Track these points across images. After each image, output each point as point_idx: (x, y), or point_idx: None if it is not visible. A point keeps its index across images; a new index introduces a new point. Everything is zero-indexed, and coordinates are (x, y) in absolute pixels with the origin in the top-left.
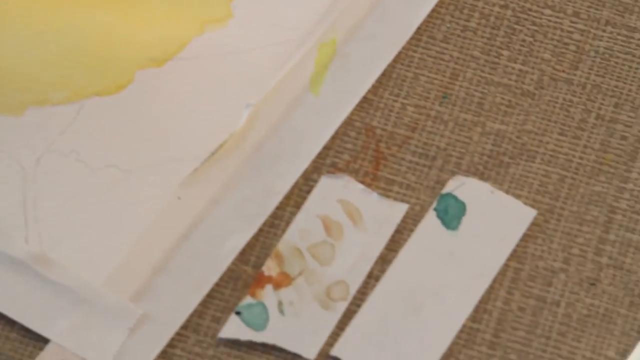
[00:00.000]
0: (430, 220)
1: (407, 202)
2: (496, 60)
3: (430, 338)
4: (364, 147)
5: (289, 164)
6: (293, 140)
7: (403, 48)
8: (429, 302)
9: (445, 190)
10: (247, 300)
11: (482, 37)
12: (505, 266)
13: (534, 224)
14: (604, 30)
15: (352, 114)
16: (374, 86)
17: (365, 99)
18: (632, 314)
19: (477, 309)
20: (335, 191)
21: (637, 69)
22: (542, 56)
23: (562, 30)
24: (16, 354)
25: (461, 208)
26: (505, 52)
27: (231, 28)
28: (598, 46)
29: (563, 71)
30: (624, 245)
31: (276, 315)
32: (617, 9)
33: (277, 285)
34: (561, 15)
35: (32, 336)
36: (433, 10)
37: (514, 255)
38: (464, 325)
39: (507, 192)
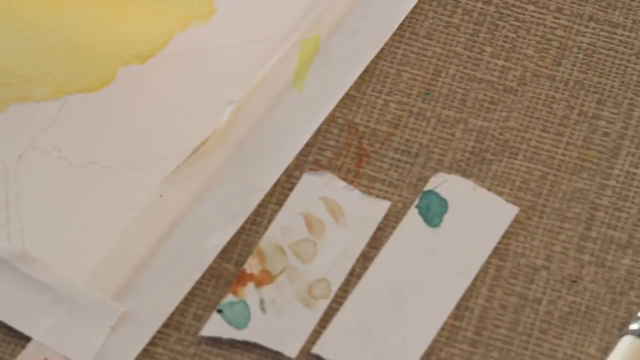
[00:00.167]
0: (412, 218)
1: (389, 199)
2: (479, 56)
3: (411, 336)
4: (346, 144)
5: (271, 161)
6: (275, 137)
7: (386, 44)
8: (410, 300)
9: (428, 187)
10: (229, 298)
11: (465, 33)
12: (487, 263)
13: (516, 221)
14: (586, 26)
15: (334, 110)
16: (356, 83)
17: (348, 96)
18: (614, 312)
19: (458, 307)
20: (318, 188)
21: (619, 65)
22: (525, 52)
23: (545, 26)
24: None
25: (443, 205)
26: (488, 49)
27: (214, 24)
28: (581, 42)
29: (546, 67)
30: (606, 242)
31: (258, 313)
32: (600, 5)
33: (259, 283)
34: (544, 11)
35: (14, 334)
36: (416, 7)
37: (496, 252)
38: (445, 323)
39: (489, 189)
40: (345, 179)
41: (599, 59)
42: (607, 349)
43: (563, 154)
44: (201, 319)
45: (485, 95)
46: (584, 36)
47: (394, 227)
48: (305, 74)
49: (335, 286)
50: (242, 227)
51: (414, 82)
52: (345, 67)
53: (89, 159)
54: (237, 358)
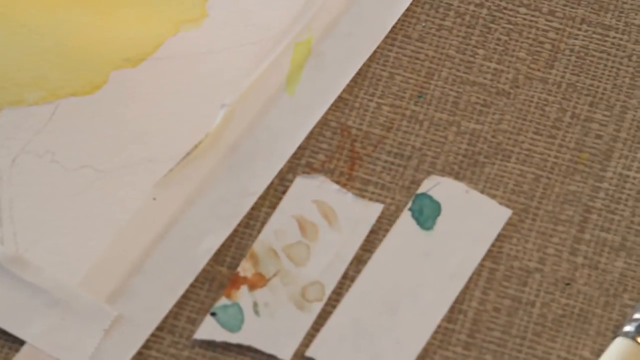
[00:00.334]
0: (405, 221)
1: (382, 202)
2: (471, 59)
3: (405, 339)
4: (339, 147)
5: (264, 164)
6: (268, 140)
7: (378, 47)
8: (404, 303)
9: (420, 190)
10: (223, 301)
11: (458, 36)
12: (481, 266)
13: (509, 223)
14: (579, 29)
15: (327, 113)
16: (349, 85)
17: (340, 99)
18: (607, 314)
19: (452, 310)
20: (311, 191)
21: (612, 67)
22: (517, 55)
23: (537, 29)
24: None
25: (436, 208)
26: (481, 51)
27: (206, 28)
28: (573, 45)
29: (538, 70)
30: (599, 245)
31: (251, 316)
32: (593, 7)
33: (253, 286)
34: (536, 13)
35: (8, 338)
36: (408, 9)
37: (489, 255)
38: (439, 326)
39: (482, 191)
40: (338, 182)
41: (592, 61)
42: (600, 352)
43: (556, 157)
44: (195, 322)
45: (478, 98)
46: (576, 39)
47: (387, 230)
48: (297, 76)
49: (328, 289)
50: (236, 230)
51: (407, 85)
52: (338, 70)
53: (81, 162)
54: None
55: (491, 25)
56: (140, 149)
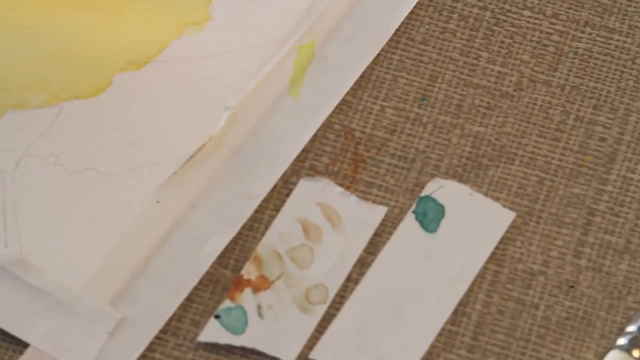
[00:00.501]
0: (409, 223)
1: (386, 204)
2: (475, 62)
3: (409, 341)
4: (342, 150)
5: (267, 167)
6: (272, 143)
7: (382, 50)
8: (407, 305)
9: (424, 192)
10: (226, 303)
11: (461, 38)
12: (484, 269)
13: (513, 226)
14: (583, 32)
15: (331, 116)
16: (352, 88)
17: (344, 102)
18: (611, 317)
19: (456, 312)
20: (314, 194)
21: (616, 70)
22: (521, 58)
23: (541, 31)
24: None
25: (440, 211)
26: (484, 54)
27: (210, 31)
28: (577, 47)
29: (542, 73)
30: (603, 247)
31: (255, 319)
32: (596, 10)
33: (256, 289)
34: (540, 16)
35: (12, 340)
36: (412, 12)
37: (493, 257)
38: (443, 329)
39: (486, 194)
40: (342, 185)
41: (595, 64)
42: (604, 355)
43: (560, 159)
44: (199, 325)
45: (482, 100)
46: (580, 41)
47: (390, 233)
48: (301, 80)
49: (332, 292)
50: (239, 233)
51: (410, 88)
52: (341, 73)
53: (85, 165)
54: None
55: (495, 28)
56: (144, 152)
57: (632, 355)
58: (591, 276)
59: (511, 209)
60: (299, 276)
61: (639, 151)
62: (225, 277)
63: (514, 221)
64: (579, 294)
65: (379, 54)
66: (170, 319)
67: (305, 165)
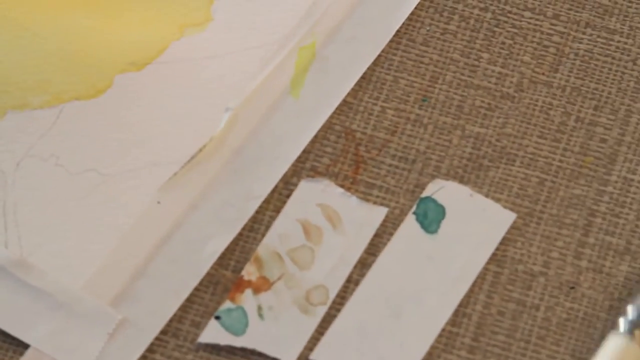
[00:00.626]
0: (410, 224)
1: (387, 205)
2: (476, 63)
3: (409, 342)
4: (343, 151)
5: (268, 168)
6: (273, 144)
7: (383, 51)
8: (408, 306)
9: (425, 193)
10: (227, 304)
11: (462, 39)
12: (485, 270)
13: (514, 227)
14: (583, 33)
15: (331, 117)
16: (353, 89)
17: (345, 103)
18: (612, 318)
19: (456, 313)
20: (315, 195)
21: (616, 71)
22: (521, 59)
23: (541, 32)
24: None
25: (440, 212)
26: (485, 55)
27: (210, 32)
28: (578, 48)
29: (543, 74)
30: (604, 248)
31: (256, 320)
32: (597, 11)
33: (257, 290)
34: (541, 17)
35: (12, 341)
36: (413, 13)
37: (494, 258)
38: (443, 330)
39: (486, 195)
40: (342, 186)
41: (596, 65)
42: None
43: (560, 160)
44: (199, 326)
45: (482, 101)
46: (580, 42)
47: (391, 234)
48: (302, 80)
49: (333, 293)
50: (240, 234)
51: (411, 89)
52: (342, 74)
53: (86, 166)
54: None
55: (495, 29)
56: (145, 153)
57: (632, 338)
58: (592, 277)
59: (512, 210)
60: (299, 277)
61: None
62: (226, 278)
63: (514, 222)
64: (580, 295)
65: (379, 55)
66: (171, 320)
67: (306, 166)
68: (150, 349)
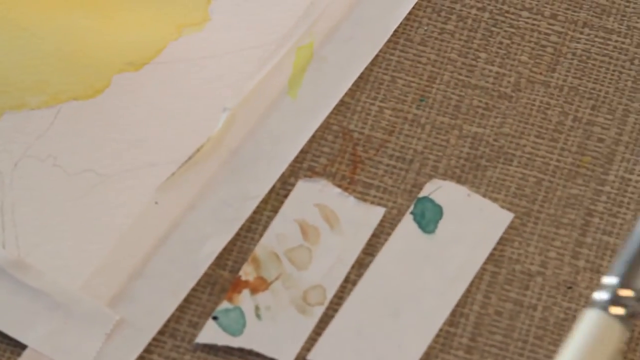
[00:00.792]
0: (407, 224)
1: (384, 205)
2: (473, 62)
3: (407, 342)
4: (341, 151)
5: (266, 168)
6: (270, 144)
7: (380, 51)
8: (405, 306)
9: (422, 193)
10: (224, 305)
11: (460, 39)
12: (482, 270)
13: (511, 227)
14: (581, 33)
15: (329, 117)
16: (351, 89)
17: (342, 102)
18: None
19: (454, 313)
20: (313, 195)
21: (614, 71)
22: (519, 58)
23: (539, 32)
24: None
25: (438, 212)
26: (483, 55)
27: (208, 32)
28: (575, 48)
29: (540, 73)
30: (601, 248)
31: (253, 320)
32: (595, 11)
33: (254, 290)
34: (538, 17)
35: (9, 342)
36: (410, 13)
37: (491, 258)
38: (440, 329)
39: (484, 195)
40: (340, 186)
41: (594, 65)
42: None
43: (558, 160)
44: (196, 326)
45: (480, 101)
46: (578, 42)
47: (389, 234)
48: (299, 80)
49: (330, 293)
50: (237, 234)
51: (409, 89)
52: (340, 73)
53: (83, 166)
54: None
55: (493, 28)
56: (142, 153)
57: (610, 314)
58: (589, 277)
59: (509, 209)
60: (297, 277)
61: (637, 152)
62: (223, 278)
63: (512, 222)
64: (577, 294)
65: (377, 55)
66: (168, 320)
67: (303, 166)
68: (148, 350)
